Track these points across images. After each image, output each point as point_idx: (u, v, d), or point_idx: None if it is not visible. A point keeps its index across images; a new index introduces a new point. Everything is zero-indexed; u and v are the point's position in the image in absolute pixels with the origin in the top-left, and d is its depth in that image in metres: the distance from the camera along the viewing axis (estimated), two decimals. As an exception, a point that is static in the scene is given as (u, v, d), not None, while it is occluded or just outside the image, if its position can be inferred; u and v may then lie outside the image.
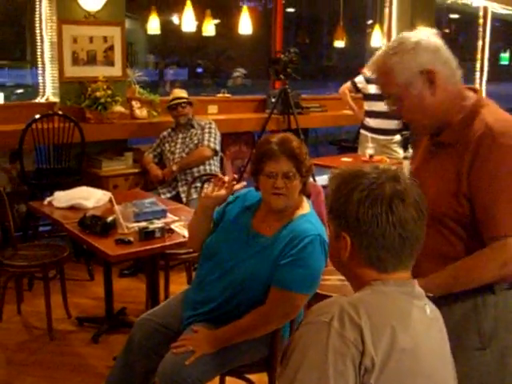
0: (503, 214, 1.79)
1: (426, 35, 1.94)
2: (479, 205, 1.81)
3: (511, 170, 1.80)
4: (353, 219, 1.47)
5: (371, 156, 5.60)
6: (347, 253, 1.51)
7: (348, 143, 7.89)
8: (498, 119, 1.86)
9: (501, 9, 11.46)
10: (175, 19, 6.72)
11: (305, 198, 2.62)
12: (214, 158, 5.11)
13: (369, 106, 6.45)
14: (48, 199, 3.85)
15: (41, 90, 5.54)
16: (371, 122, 6.43)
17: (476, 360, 1.88)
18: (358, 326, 1.37)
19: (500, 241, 1.78)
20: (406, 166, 4.81)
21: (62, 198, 3.79)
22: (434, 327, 1.52)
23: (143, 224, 3.19)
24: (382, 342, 1.37)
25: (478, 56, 11.45)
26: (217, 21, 8.50)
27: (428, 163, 2.00)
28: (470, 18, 11.70)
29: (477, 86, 11.41)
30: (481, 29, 11.37)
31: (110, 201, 3.43)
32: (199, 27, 6.65)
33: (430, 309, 1.52)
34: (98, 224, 3.17)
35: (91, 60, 5.49)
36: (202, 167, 5.02)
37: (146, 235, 3.07)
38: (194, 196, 4.74)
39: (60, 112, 5.04)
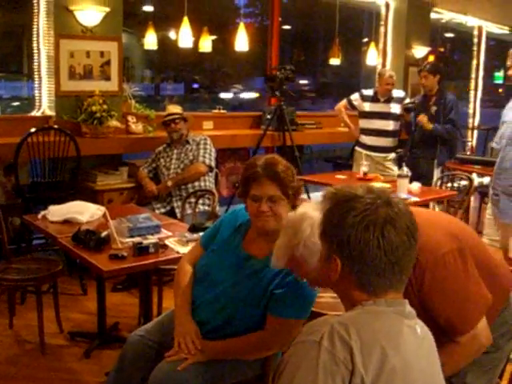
0: (462, 315, 1.96)
1: None
2: (439, 316, 1.94)
3: (452, 278, 1.94)
4: (344, 243, 1.48)
5: (365, 173, 5.62)
6: (337, 275, 1.52)
7: (343, 160, 7.92)
8: (423, 239, 1.82)
9: (495, 28, 11.55)
10: (172, 35, 6.74)
11: None
12: (209, 173, 5.12)
13: (364, 123, 6.49)
14: (42, 213, 3.84)
15: (37, 104, 5.55)
16: (366, 140, 6.47)
17: None
18: (348, 345, 1.38)
19: (467, 335, 1.96)
20: (401, 183, 4.84)
21: (56, 211, 3.79)
22: (424, 347, 1.53)
23: (137, 239, 3.18)
24: (372, 361, 1.37)
25: (473, 75, 11.52)
26: (214, 37, 8.55)
27: None
28: (465, 37, 11.78)
29: (471, 103, 11.48)
30: (475, 48, 11.45)
31: (104, 215, 3.42)
32: (196, 43, 6.68)
33: (421, 328, 1.53)
34: (92, 239, 3.16)
35: (88, 74, 5.51)
36: (196, 183, 5.03)
37: (140, 250, 3.06)
38: (189, 211, 4.74)
39: (56, 126, 5.04)
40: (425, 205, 5.90)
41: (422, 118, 6.09)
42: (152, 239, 3.19)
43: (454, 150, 6.70)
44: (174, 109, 5.26)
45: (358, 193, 1.53)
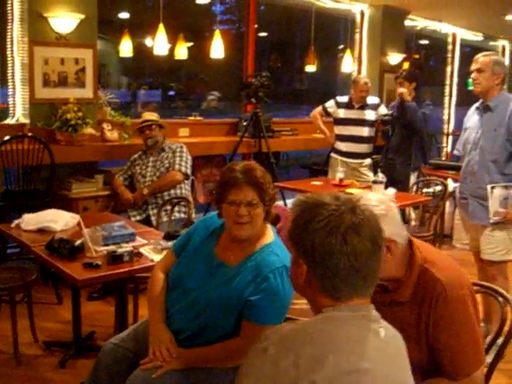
0: (465, 357, 2.04)
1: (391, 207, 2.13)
2: (442, 352, 2.04)
3: (464, 319, 2.04)
4: (309, 248, 1.51)
5: (341, 179, 5.64)
6: (303, 279, 1.55)
7: (319, 166, 7.95)
8: (445, 273, 2.08)
9: (470, 35, 11.70)
10: (149, 41, 6.73)
11: (269, 226, 2.62)
12: (185, 181, 5.11)
13: (339, 130, 6.53)
14: (16, 221, 3.80)
15: (11, 111, 5.50)
16: (341, 146, 6.51)
17: None
18: (293, 353, 1.40)
19: (466, 378, 2.04)
20: (376, 189, 4.87)
21: (30, 220, 3.75)
22: (389, 350, 1.54)
23: (112, 247, 3.16)
24: (322, 368, 1.39)
25: (447, 81, 11.65)
26: (190, 44, 8.54)
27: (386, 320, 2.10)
28: (439, 44, 11.91)
29: (446, 109, 11.59)
30: (450, 55, 11.59)
31: (79, 224, 3.40)
32: (172, 50, 6.68)
33: (385, 331, 1.55)
34: (66, 247, 3.13)
35: (62, 82, 5.48)
36: (172, 191, 5.02)
37: (114, 259, 3.04)
38: (165, 219, 4.73)
39: (30, 133, 5.02)
40: (400, 210, 5.95)
41: (403, 91, 6.11)
42: (127, 247, 3.17)
43: (428, 153, 6.78)
44: (150, 116, 5.26)
45: (324, 200, 1.56)
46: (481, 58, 4.06)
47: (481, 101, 4.15)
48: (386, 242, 1.58)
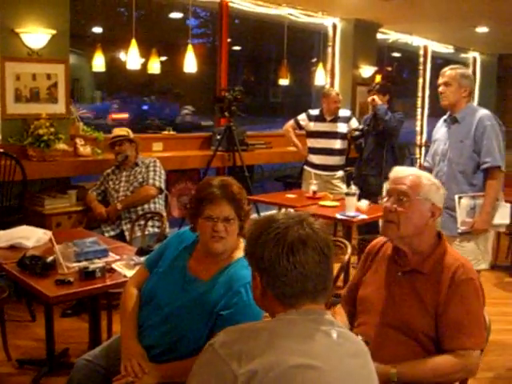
0: (470, 332, 2.24)
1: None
2: (450, 324, 2.24)
3: (474, 299, 2.29)
4: (259, 259, 1.62)
5: (315, 192, 5.68)
6: (259, 291, 1.66)
7: (293, 179, 7.99)
8: (463, 259, 2.38)
9: (442, 47, 11.86)
10: (123, 56, 6.73)
11: (242, 240, 2.64)
12: (159, 195, 5.11)
13: (311, 142, 6.59)
14: (-12, 238, 3.78)
15: (-18, 128, 5.46)
16: (314, 159, 6.56)
17: None
18: (238, 346, 1.50)
19: (466, 352, 2.22)
20: (348, 201, 4.91)
21: (2, 237, 3.72)
22: (343, 351, 1.60)
23: (84, 264, 3.16)
24: (264, 358, 1.47)
25: (419, 93, 11.79)
26: (164, 58, 8.56)
27: (396, 287, 2.41)
28: (411, 56, 12.05)
29: (418, 121, 11.73)
30: (421, 67, 11.73)
31: (51, 240, 3.39)
32: (145, 65, 6.69)
33: (338, 334, 1.61)
34: (38, 264, 3.12)
35: (34, 97, 5.46)
36: (146, 205, 5.00)
37: (87, 275, 3.03)
38: (138, 234, 4.72)
39: (1, 150, 4.98)
40: (374, 221, 6.00)
41: (374, 97, 6.17)
42: (99, 263, 3.17)
43: (400, 161, 6.84)
44: (120, 131, 5.25)
45: (276, 217, 1.68)
46: (448, 71, 4.14)
47: (448, 113, 4.23)
48: (333, 251, 1.69)
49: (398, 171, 2.52)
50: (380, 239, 2.65)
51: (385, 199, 2.48)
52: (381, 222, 2.59)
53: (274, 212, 1.76)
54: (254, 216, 1.76)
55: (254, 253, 1.65)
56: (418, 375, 2.22)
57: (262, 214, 6.44)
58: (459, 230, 4.00)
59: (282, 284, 1.60)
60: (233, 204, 2.49)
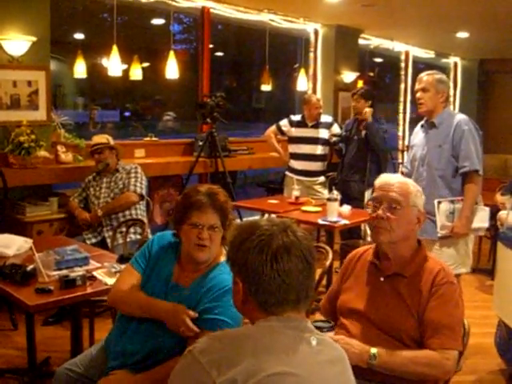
0: (450, 333, 2.31)
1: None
2: (432, 324, 2.32)
3: (455, 302, 2.38)
4: (242, 266, 1.61)
5: (297, 197, 5.70)
6: (241, 297, 1.65)
7: (275, 185, 8.00)
8: (443, 264, 2.51)
9: (422, 52, 11.94)
10: (105, 62, 6.71)
11: (223, 247, 2.65)
12: (140, 202, 5.09)
13: (293, 148, 6.61)
14: (-33, 247, 3.74)
15: (-38, 135, 5.42)
16: (296, 164, 6.58)
17: None
18: (217, 353, 1.50)
19: (445, 351, 2.29)
20: (330, 206, 4.92)
21: (-18, 245, 3.70)
22: (321, 358, 1.61)
23: (64, 272, 3.15)
24: (241, 367, 1.47)
25: (401, 98, 11.85)
26: (147, 64, 8.54)
27: (379, 291, 2.48)
28: (393, 62, 12.12)
29: (400, 126, 11.80)
30: (403, 72, 11.81)
31: (31, 248, 3.37)
32: (127, 71, 6.67)
33: (317, 341, 1.62)
34: (18, 272, 3.10)
35: (15, 104, 5.42)
36: (127, 212, 4.99)
37: (67, 283, 3.01)
38: (120, 241, 4.70)
39: (-19, 157, 4.95)
40: (356, 226, 6.03)
41: (367, 111, 6.20)
42: (79, 271, 3.16)
43: (384, 170, 6.88)
44: (100, 139, 5.22)
45: (259, 223, 1.67)
46: (424, 77, 4.17)
47: (425, 118, 4.26)
48: (316, 259, 1.69)
49: (386, 178, 2.59)
50: (359, 250, 2.72)
51: (373, 206, 2.54)
52: (368, 227, 2.67)
53: (256, 218, 1.76)
54: (236, 221, 1.76)
55: (237, 259, 1.64)
56: (396, 361, 2.28)
57: (245, 219, 6.45)
58: (439, 234, 4.04)
59: (265, 292, 1.59)
60: (219, 213, 2.51)
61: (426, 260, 2.49)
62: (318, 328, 1.73)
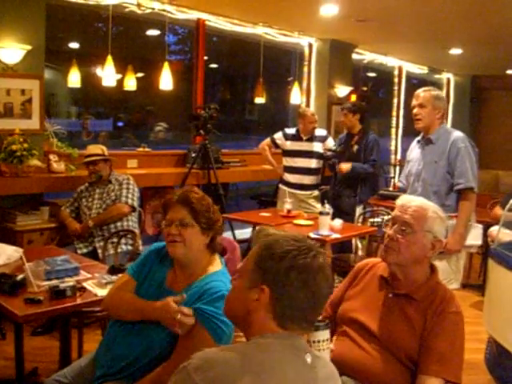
0: (449, 363, 2.28)
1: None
2: (434, 351, 2.29)
3: (459, 333, 2.37)
4: (280, 278, 1.61)
5: (289, 211, 5.70)
6: (260, 305, 1.62)
7: (268, 198, 7.99)
8: (452, 293, 2.50)
9: (415, 68, 12.02)
10: (99, 71, 6.71)
11: (217, 256, 2.64)
12: (132, 213, 5.08)
13: (287, 161, 6.61)
14: (-43, 256, 3.72)
15: (-46, 143, 5.40)
16: (289, 177, 6.58)
17: None
18: (211, 370, 1.48)
19: (438, 379, 2.26)
20: (322, 220, 4.93)
21: (-29, 254, 3.67)
22: (316, 376, 1.62)
23: (54, 282, 3.13)
24: None
25: (394, 113, 11.91)
26: (141, 74, 8.53)
27: (386, 307, 2.46)
28: (387, 76, 12.19)
29: (393, 140, 11.84)
30: (396, 87, 11.87)
31: (21, 258, 3.35)
32: (121, 81, 6.67)
33: (312, 358, 1.62)
34: (7, 282, 3.07)
35: (8, 112, 5.42)
36: (119, 223, 4.97)
37: (57, 294, 2.99)
38: (111, 251, 4.69)
39: (-27, 165, 4.93)
40: (347, 241, 6.03)
41: (341, 168, 6.28)
42: (70, 282, 3.13)
43: (376, 187, 6.90)
44: (95, 149, 5.21)
45: (296, 237, 1.70)
46: (421, 93, 4.19)
47: (422, 134, 4.28)
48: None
49: (406, 199, 2.57)
50: (370, 260, 2.72)
51: (388, 225, 2.54)
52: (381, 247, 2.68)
53: (289, 232, 1.77)
54: (269, 229, 1.77)
55: (272, 268, 1.63)
56: None
57: (237, 231, 6.45)
58: None
59: (292, 306, 1.61)
60: (188, 208, 2.52)
61: (438, 286, 2.47)
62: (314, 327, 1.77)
